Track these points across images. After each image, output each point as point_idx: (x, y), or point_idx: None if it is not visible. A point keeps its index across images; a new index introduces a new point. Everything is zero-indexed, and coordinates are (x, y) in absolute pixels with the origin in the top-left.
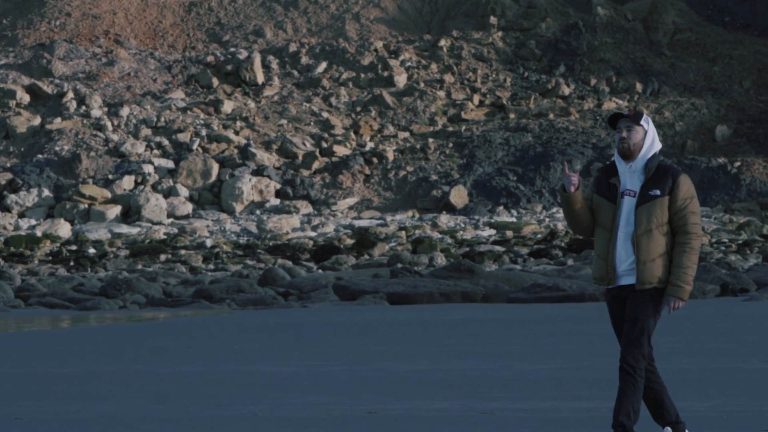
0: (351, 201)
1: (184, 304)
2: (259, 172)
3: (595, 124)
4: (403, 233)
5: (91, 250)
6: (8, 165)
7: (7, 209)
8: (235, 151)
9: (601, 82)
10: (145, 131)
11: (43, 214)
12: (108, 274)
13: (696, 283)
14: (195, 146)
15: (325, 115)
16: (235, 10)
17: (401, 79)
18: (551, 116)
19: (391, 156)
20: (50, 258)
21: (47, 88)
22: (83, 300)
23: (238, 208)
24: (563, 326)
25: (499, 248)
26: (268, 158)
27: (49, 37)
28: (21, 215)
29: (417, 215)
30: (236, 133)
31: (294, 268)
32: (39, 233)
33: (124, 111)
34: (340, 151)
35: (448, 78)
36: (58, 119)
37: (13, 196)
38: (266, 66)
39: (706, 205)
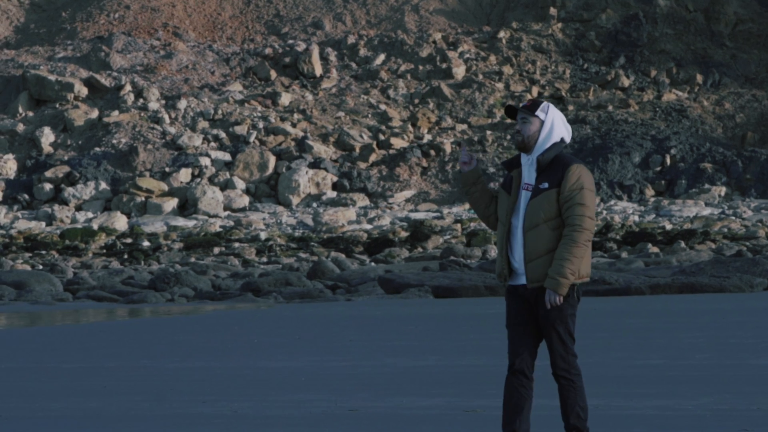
0: (408, 194)
1: (232, 297)
2: (316, 164)
3: (654, 116)
4: (458, 226)
5: (146, 243)
6: (66, 158)
7: (65, 202)
8: (292, 143)
9: (662, 74)
10: (203, 124)
11: (100, 207)
12: (160, 267)
13: (743, 277)
14: (252, 139)
15: (383, 107)
16: (294, 2)
17: (460, 71)
18: (610, 108)
19: (448, 148)
20: (104, 251)
21: (105, 81)
22: (131, 293)
23: (295, 200)
24: (593, 321)
25: None
26: (325, 151)
27: (108, 29)
28: (78, 208)
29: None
30: (293, 125)
31: (344, 260)
32: (95, 226)
33: (182, 104)
34: (398, 143)
35: (507, 70)
36: (116, 112)
37: (70, 189)
38: (324, 58)
39: (766, 197)
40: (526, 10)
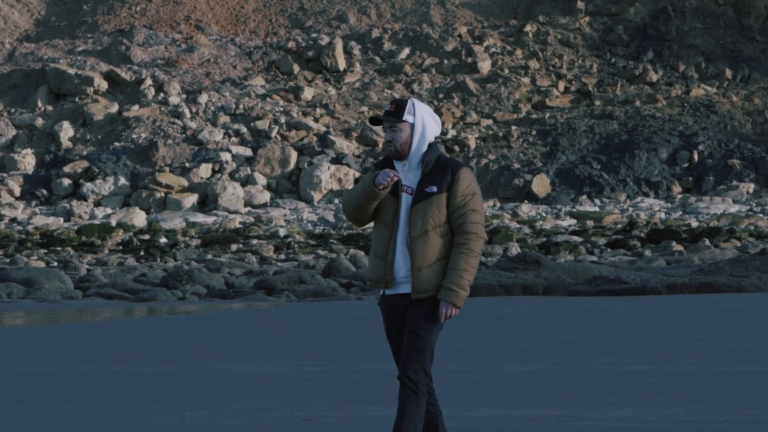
0: None
1: (244, 296)
2: (339, 160)
3: (682, 111)
4: None
5: (163, 240)
6: (85, 153)
7: (83, 198)
8: (315, 138)
9: (690, 69)
10: (224, 118)
11: (119, 202)
12: (176, 264)
13: (763, 276)
14: (273, 134)
15: None
16: None
17: (485, 66)
18: (638, 103)
19: (473, 144)
20: (120, 248)
21: (125, 74)
22: (142, 291)
23: (317, 196)
24: (595, 322)
25: (576, 239)
26: (348, 146)
27: (129, 22)
28: (97, 204)
29: (498, 204)
30: (316, 120)
31: (361, 258)
32: (113, 222)
33: (203, 98)
34: None
35: (533, 64)
36: (136, 106)
37: (89, 185)
38: (348, 52)
39: None
40: (553, 3)
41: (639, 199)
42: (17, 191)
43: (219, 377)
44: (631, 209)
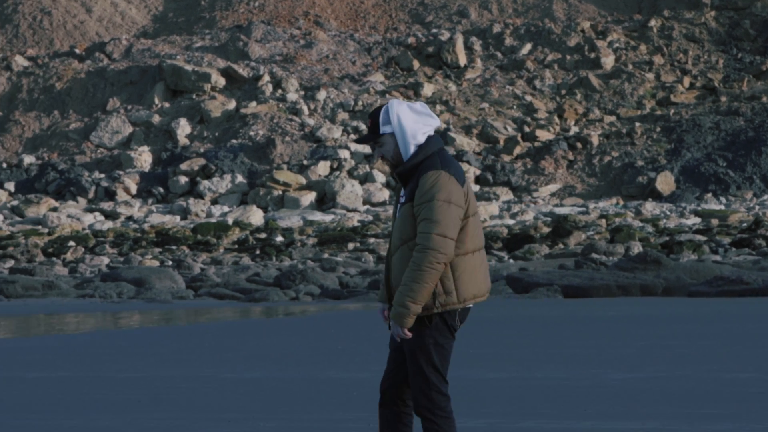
0: (553, 187)
1: (357, 296)
2: (459, 157)
3: None
4: (603, 221)
5: (279, 239)
6: (202, 150)
7: (200, 196)
8: None
9: None
10: (342, 115)
11: (236, 200)
12: (291, 263)
13: None
14: None
15: (529, 98)
16: None
17: (608, 61)
18: (765, 99)
19: (595, 141)
20: (236, 246)
21: (243, 71)
22: (254, 291)
23: None
24: (709, 325)
25: (700, 237)
26: (468, 143)
27: (248, 18)
28: (214, 202)
29: (621, 202)
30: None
31: None
32: (230, 220)
33: (321, 94)
34: (543, 135)
35: (658, 60)
36: (253, 103)
37: (206, 183)
38: (469, 47)
39: None
40: None
41: (766, 197)
42: (133, 189)
43: (301, 384)
44: (757, 207)
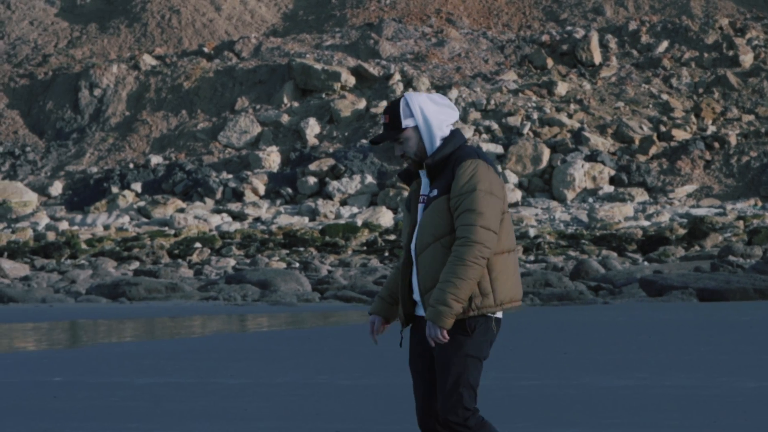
0: (689, 188)
1: None
2: (593, 157)
3: None
4: (740, 223)
5: None
6: (331, 150)
7: (329, 197)
8: (568, 135)
9: None
10: (474, 114)
11: (366, 201)
12: None
13: None
14: (526, 130)
15: (665, 97)
16: None
17: (747, 59)
18: None
19: (733, 140)
20: (365, 248)
21: (373, 69)
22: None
23: (570, 195)
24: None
25: None
26: (603, 143)
27: (378, 16)
28: (343, 203)
29: (759, 204)
30: (569, 116)
31: (610, 260)
32: (359, 222)
33: (453, 93)
34: (680, 135)
35: None
36: (384, 102)
37: (335, 183)
38: (604, 45)
39: None
40: None
41: None
42: (261, 190)
43: (378, 390)
44: None
